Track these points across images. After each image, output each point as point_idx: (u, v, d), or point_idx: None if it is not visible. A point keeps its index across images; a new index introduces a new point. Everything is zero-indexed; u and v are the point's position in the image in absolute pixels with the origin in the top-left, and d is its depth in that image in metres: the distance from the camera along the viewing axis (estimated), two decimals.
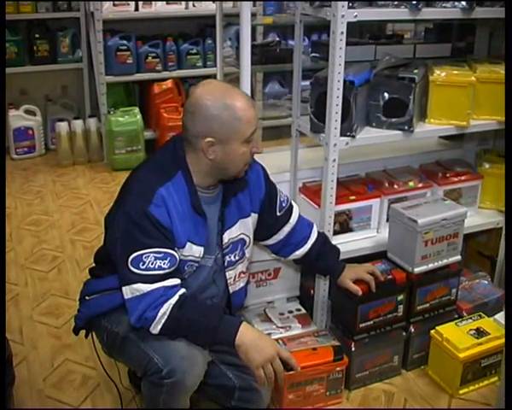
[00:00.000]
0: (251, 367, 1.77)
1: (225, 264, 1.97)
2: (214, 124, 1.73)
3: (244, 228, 2.00)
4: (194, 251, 1.84)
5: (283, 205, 2.11)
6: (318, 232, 2.20)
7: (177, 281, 1.75)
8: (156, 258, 1.71)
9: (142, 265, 1.71)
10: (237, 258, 2.00)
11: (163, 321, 1.71)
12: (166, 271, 1.73)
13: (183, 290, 1.75)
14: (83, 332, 2.02)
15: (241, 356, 1.77)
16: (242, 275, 2.06)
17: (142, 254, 1.71)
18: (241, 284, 2.07)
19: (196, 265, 1.87)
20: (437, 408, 2.20)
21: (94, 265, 2.03)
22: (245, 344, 1.75)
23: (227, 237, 1.94)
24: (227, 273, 1.98)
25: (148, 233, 1.72)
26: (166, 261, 1.72)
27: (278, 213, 2.09)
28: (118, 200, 1.87)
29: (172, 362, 1.71)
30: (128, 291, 1.73)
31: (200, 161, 1.80)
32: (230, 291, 2.02)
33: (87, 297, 1.94)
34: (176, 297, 1.72)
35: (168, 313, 1.70)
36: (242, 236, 2.00)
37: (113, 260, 1.81)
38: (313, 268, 2.32)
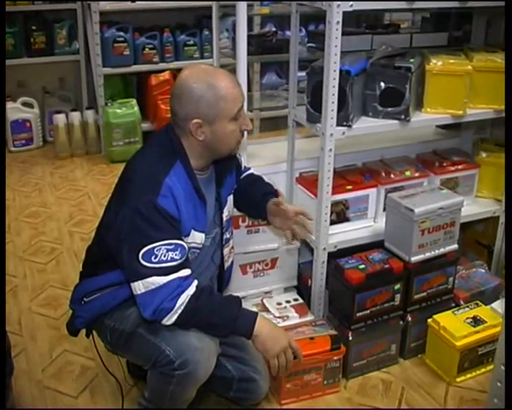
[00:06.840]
0: (266, 357, 1.82)
1: (223, 241, 2.01)
2: (200, 105, 1.75)
3: (230, 204, 2.06)
4: (196, 238, 1.85)
5: (243, 170, 2.20)
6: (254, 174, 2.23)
7: (189, 271, 1.75)
8: (168, 250, 1.70)
9: (155, 258, 1.69)
10: (230, 234, 2.07)
11: (179, 312, 1.70)
12: (179, 262, 1.72)
13: (197, 281, 1.76)
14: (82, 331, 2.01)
15: (256, 346, 1.80)
16: (232, 251, 2.12)
17: (154, 248, 1.69)
18: (231, 260, 2.13)
19: (198, 252, 1.89)
20: (436, 408, 2.21)
21: (82, 269, 2.00)
22: (262, 335, 1.78)
23: (225, 215, 1.99)
24: (224, 250, 2.03)
25: (158, 226, 1.70)
26: (177, 252, 1.72)
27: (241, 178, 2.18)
28: (117, 195, 1.84)
29: (185, 354, 1.71)
30: (141, 286, 1.71)
31: (191, 143, 1.81)
32: (224, 268, 2.06)
33: (85, 299, 1.90)
34: (193, 288, 1.72)
35: (186, 303, 1.70)
36: (230, 212, 2.07)
37: (118, 257, 1.78)
38: (245, 200, 2.17)
